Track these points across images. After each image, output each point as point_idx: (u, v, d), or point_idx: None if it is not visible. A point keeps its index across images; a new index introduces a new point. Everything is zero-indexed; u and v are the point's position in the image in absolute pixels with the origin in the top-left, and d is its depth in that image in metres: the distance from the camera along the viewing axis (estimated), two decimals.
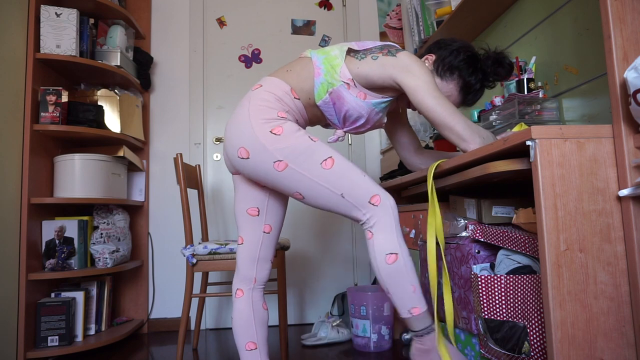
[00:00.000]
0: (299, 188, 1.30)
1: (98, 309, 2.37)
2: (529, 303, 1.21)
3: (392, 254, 1.26)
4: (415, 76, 1.32)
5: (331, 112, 1.40)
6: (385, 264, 1.26)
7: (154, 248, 2.81)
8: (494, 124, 1.81)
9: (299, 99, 1.37)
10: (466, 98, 1.50)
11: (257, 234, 1.45)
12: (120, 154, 2.43)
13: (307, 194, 1.30)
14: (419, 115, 2.43)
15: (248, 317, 1.43)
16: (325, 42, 3.06)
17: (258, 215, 1.45)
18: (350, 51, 1.40)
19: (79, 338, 2.21)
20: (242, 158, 1.32)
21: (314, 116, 1.45)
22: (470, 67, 1.45)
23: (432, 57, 1.47)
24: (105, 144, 2.55)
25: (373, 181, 1.33)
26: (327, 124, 1.51)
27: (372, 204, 1.29)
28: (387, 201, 1.30)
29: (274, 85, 1.36)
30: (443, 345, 1.24)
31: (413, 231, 1.98)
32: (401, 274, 1.25)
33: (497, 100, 1.84)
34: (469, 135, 1.29)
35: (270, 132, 1.28)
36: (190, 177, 2.23)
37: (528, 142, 1.04)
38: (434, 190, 1.38)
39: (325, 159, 1.28)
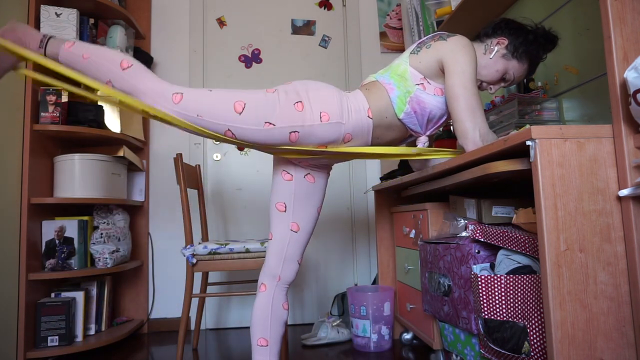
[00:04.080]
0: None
1: (98, 309, 2.37)
2: (529, 303, 1.21)
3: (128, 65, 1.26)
4: (458, 62, 1.34)
5: (414, 122, 1.40)
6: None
7: (154, 248, 2.81)
8: (494, 124, 1.82)
9: (371, 119, 1.37)
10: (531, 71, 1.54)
11: (285, 231, 1.46)
12: (120, 154, 2.43)
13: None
14: None
15: (265, 313, 1.43)
16: (325, 42, 3.06)
17: (285, 211, 1.46)
18: (410, 54, 1.43)
19: (79, 338, 2.20)
20: (284, 84, 1.36)
21: (380, 137, 1.43)
22: (541, 50, 1.48)
23: (504, 41, 1.46)
24: (105, 144, 2.55)
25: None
26: (398, 143, 1.51)
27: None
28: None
29: (357, 99, 1.38)
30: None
31: (413, 231, 1.98)
32: (106, 65, 1.25)
33: (497, 100, 1.85)
34: (472, 135, 1.30)
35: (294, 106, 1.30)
36: (190, 177, 2.23)
37: (528, 142, 1.04)
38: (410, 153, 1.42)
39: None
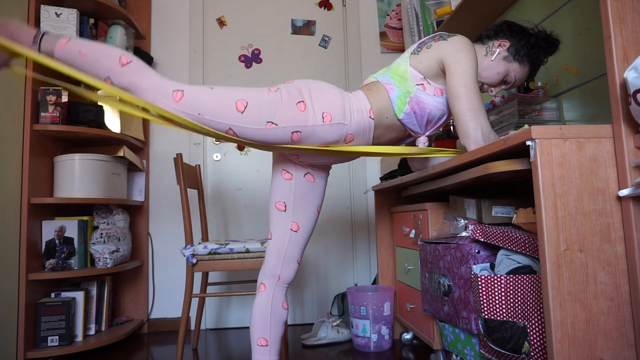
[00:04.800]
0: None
1: (98, 309, 2.37)
2: (529, 303, 1.21)
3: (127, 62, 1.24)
4: (459, 62, 1.34)
5: (413, 122, 1.40)
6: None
7: (154, 248, 2.81)
8: (494, 123, 1.82)
9: (373, 119, 1.37)
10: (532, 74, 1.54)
11: (285, 231, 1.45)
12: (120, 154, 2.43)
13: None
14: None
15: (265, 312, 1.43)
16: (325, 42, 3.06)
17: (285, 210, 1.46)
18: (411, 54, 1.43)
19: (79, 338, 2.21)
20: (286, 82, 1.35)
21: (381, 137, 1.43)
22: (542, 53, 1.48)
23: (506, 44, 1.46)
24: (105, 144, 2.55)
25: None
26: (397, 142, 1.51)
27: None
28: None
29: (360, 99, 1.38)
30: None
31: (413, 231, 1.98)
32: (103, 60, 1.24)
33: (498, 100, 1.85)
34: (474, 135, 1.30)
35: (297, 106, 1.29)
36: (190, 177, 2.23)
37: (528, 142, 1.04)
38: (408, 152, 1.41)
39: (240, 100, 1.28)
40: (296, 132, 1.28)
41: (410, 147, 1.40)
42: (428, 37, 1.45)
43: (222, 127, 1.26)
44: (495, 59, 1.46)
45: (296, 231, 1.46)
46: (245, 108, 1.25)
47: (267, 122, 1.26)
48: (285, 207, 1.46)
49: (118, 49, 1.28)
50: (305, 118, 1.28)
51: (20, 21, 1.31)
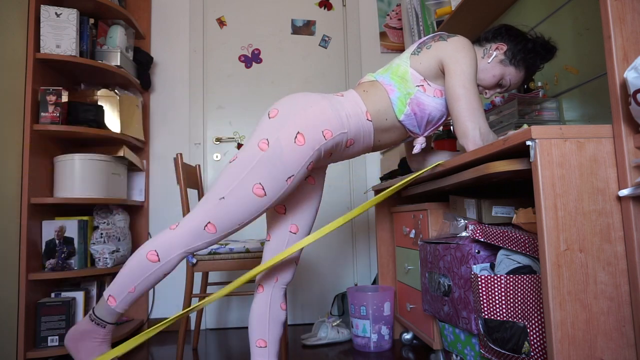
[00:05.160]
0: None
1: None
2: (529, 303, 1.21)
3: (155, 254, 1.26)
4: (458, 63, 1.33)
5: (413, 123, 1.40)
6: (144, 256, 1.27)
7: None
8: (493, 124, 1.82)
9: (371, 121, 1.37)
10: (528, 78, 1.54)
11: (284, 233, 1.45)
12: (120, 154, 2.43)
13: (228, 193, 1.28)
14: None
15: (263, 314, 1.43)
16: (325, 42, 3.06)
17: (285, 213, 1.45)
18: (411, 55, 1.43)
19: None
20: (271, 117, 1.31)
21: (382, 139, 1.43)
22: (538, 59, 1.48)
23: (503, 47, 1.46)
24: (105, 144, 2.55)
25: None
26: (397, 143, 1.51)
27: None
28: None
29: (353, 101, 1.36)
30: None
31: (413, 231, 1.98)
32: (141, 271, 1.26)
33: (497, 101, 1.85)
34: (473, 135, 1.30)
35: (295, 140, 1.26)
36: (190, 177, 2.23)
37: (528, 142, 1.04)
38: (407, 182, 1.42)
39: (256, 186, 1.26)
40: (309, 164, 1.29)
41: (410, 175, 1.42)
42: (428, 37, 1.45)
43: (261, 212, 1.28)
44: (492, 61, 1.46)
45: (295, 233, 1.46)
46: (264, 191, 1.26)
47: (286, 179, 1.26)
48: (285, 210, 1.46)
49: (136, 254, 1.28)
50: (309, 147, 1.27)
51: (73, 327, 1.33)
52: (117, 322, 2.49)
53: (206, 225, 1.25)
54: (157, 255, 1.25)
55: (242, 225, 1.29)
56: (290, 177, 1.26)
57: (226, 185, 1.26)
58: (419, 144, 1.46)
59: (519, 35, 1.47)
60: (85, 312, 2.25)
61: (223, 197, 1.25)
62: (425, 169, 1.46)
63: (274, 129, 1.27)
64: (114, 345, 1.36)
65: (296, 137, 1.26)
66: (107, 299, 1.27)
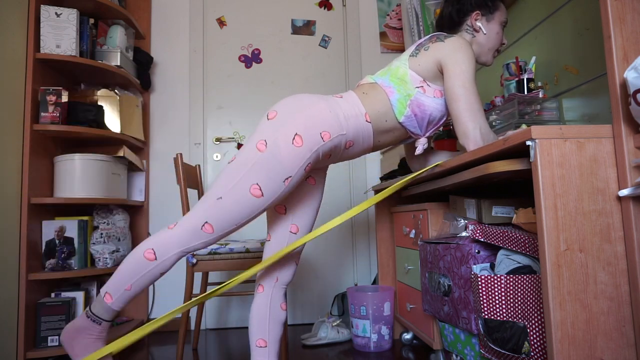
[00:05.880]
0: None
1: None
2: (529, 303, 1.21)
3: (153, 253, 1.26)
4: (457, 63, 1.34)
5: (414, 125, 1.40)
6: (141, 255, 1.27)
7: None
8: (494, 124, 1.82)
9: (370, 123, 1.37)
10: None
11: (284, 233, 1.45)
12: (120, 154, 2.43)
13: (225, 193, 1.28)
14: None
15: (263, 314, 1.43)
16: (325, 42, 3.06)
17: (285, 213, 1.45)
18: (410, 56, 1.43)
19: None
20: (270, 119, 1.30)
21: (382, 140, 1.43)
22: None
23: (477, 14, 1.50)
24: (105, 144, 2.55)
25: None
26: (397, 144, 1.52)
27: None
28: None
29: (352, 103, 1.36)
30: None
31: (413, 231, 1.98)
32: (138, 269, 1.27)
33: (497, 100, 1.85)
34: (473, 135, 1.30)
35: (292, 141, 1.26)
36: (190, 177, 2.23)
37: (528, 142, 1.04)
38: (404, 182, 1.44)
39: (254, 186, 1.25)
40: (307, 165, 1.29)
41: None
42: (425, 38, 1.45)
43: (260, 212, 1.28)
44: (486, 29, 1.49)
45: (295, 233, 1.46)
46: (261, 190, 1.25)
47: (283, 180, 1.26)
48: (286, 210, 1.46)
49: (133, 253, 1.29)
50: (307, 149, 1.27)
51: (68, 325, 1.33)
52: (115, 321, 2.50)
53: (203, 225, 1.25)
54: (154, 254, 1.25)
55: (239, 225, 1.29)
56: (287, 179, 1.26)
57: (224, 186, 1.26)
58: (421, 145, 1.46)
59: None
60: None
61: (220, 197, 1.25)
62: (425, 169, 1.46)
63: (272, 131, 1.27)
64: None
65: (294, 138, 1.26)
66: (104, 296, 1.28)
